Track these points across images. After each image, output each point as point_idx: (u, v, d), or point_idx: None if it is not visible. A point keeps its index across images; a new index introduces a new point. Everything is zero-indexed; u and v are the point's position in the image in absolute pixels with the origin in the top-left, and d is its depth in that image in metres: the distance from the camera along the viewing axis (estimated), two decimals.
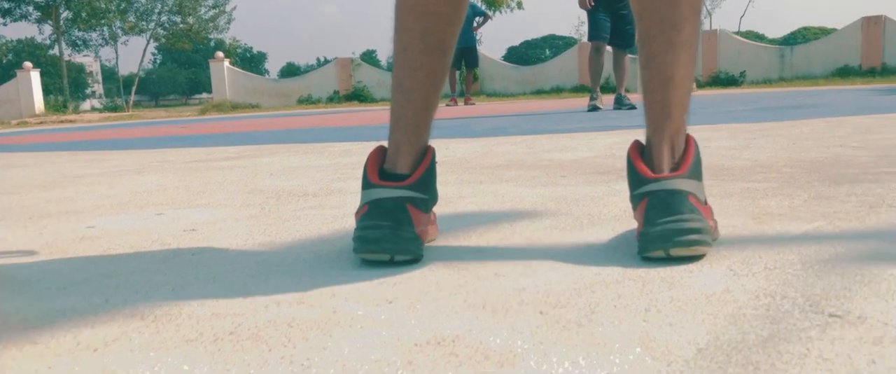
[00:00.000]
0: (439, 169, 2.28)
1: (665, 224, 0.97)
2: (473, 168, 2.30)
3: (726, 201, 1.48)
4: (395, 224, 0.99)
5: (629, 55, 6.81)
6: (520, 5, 21.95)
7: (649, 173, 1.01)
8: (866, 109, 4.87)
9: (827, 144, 2.54)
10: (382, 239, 0.98)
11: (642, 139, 1.09)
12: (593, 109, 6.68)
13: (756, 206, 1.40)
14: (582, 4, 6.71)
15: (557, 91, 18.49)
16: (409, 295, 0.88)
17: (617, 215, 1.38)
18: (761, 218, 1.28)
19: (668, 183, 0.99)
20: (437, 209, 1.49)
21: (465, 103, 12.24)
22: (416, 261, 1.03)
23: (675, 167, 1.03)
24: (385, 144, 1.10)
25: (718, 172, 1.93)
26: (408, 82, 1.07)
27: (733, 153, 2.38)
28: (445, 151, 3.00)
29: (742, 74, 17.89)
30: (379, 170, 1.06)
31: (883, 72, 16.65)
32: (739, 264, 0.97)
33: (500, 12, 22.13)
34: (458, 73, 12.35)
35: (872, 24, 17.33)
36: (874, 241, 1.07)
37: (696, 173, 1.03)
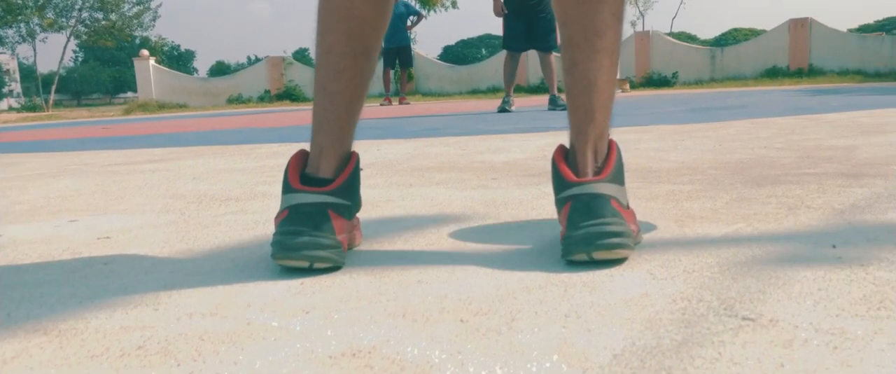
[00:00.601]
0: (369, 172, 2.27)
1: (588, 228, 0.98)
2: (404, 170, 2.29)
3: (651, 203, 1.51)
4: (315, 230, 0.98)
5: (555, 54, 6.91)
6: (454, 4, 22.05)
7: (573, 177, 1.03)
8: (792, 110, 5.04)
9: (752, 145, 2.61)
10: (301, 245, 0.97)
11: (568, 143, 1.11)
12: (502, 111, 6.76)
13: (679, 208, 1.43)
14: (496, 12, 6.83)
15: (494, 91, 18.61)
16: (327, 304, 0.87)
17: (545, 218, 1.39)
18: (683, 221, 1.31)
19: (591, 187, 1.01)
20: (364, 213, 1.49)
21: (400, 103, 12.23)
22: (338, 268, 1.02)
23: (598, 171, 1.05)
24: (308, 147, 1.09)
25: (646, 174, 1.97)
26: (331, 85, 1.06)
27: (661, 155, 2.43)
28: (377, 152, 2.98)
29: (674, 74, 18.32)
30: (300, 174, 1.05)
31: (810, 73, 17.26)
32: (659, 267, 0.99)
33: (435, 11, 22.18)
34: (392, 72, 12.34)
35: (799, 26, 17.96)
36: (791, 243, 1.11)
37: (619, 178, 1.05)
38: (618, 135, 3.40)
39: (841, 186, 1.60)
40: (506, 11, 6.75)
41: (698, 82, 17.97)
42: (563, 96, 6.80)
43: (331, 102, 1.06)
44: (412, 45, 12.32)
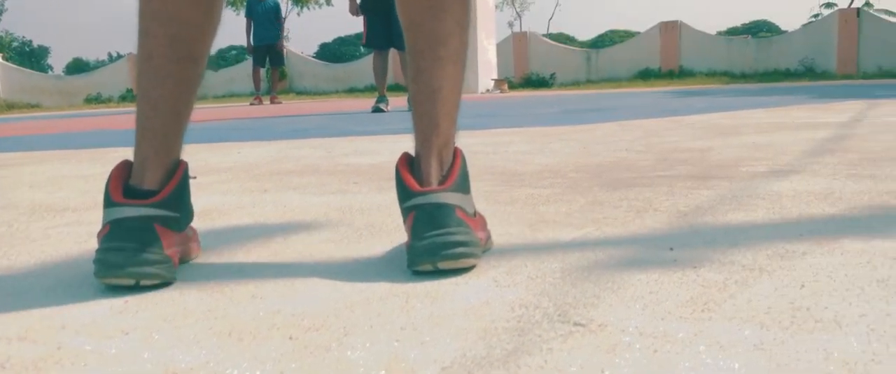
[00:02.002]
0: (223, 177, 2.21)
1: (432, 238, 0.99)
2: (262, 175, 2.25)
3: (509, 208, 1.54)
4: (139, 246, 0.94)
5: None
6: (328, 2, 21.87)
7: (416, 186, 1.03)
8: (658, 111, 5.28)
9: (615, 148, 2.72)
10: (125, 262, 0.93)
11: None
12: (376, 110, 6.77)
13: (535, 213, 1.47)
14: (351, 11, 6.86)
15: (372, 90, 18.51)
16: (149, 324, 0.83)
17: (399, 225, 1.39)
18: (537, 225, 1.34)
19: (435, 197, 1.02)
20: (209, 222, 1.45)
21: (272, 102, 12.00)
22: (167, 284, 0.99)
23: (443, 180, 1.06)
24: (131, 157, 1.05)
25: (510, 177, 2.01)
26: (154, 92, 1.03)
27: (528, 158, 2.49)
28: (237, 155, 2.91)
29: (552, 75, 18.83)
30: (123, 186, 1.01)
31: (680, 74, 18.16)
32: (504, 274, 1.01)
33: (308, 8, 21.93)
34: (262, 71, 12.07)
35: (669, 29, 18.86)
36: (633, 246, 1.16)
37: (463, 186, 1.06)
38: (489, 136, 3.46)
39: (689, 188, 1.68)
40: (360, 13, 6.80)
41: (575, 83, 18.55)
42: None
43: (154, 110, 1.03)
44: (285, 43, 12.11)
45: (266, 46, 11.58)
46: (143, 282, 0.95)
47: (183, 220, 1.04)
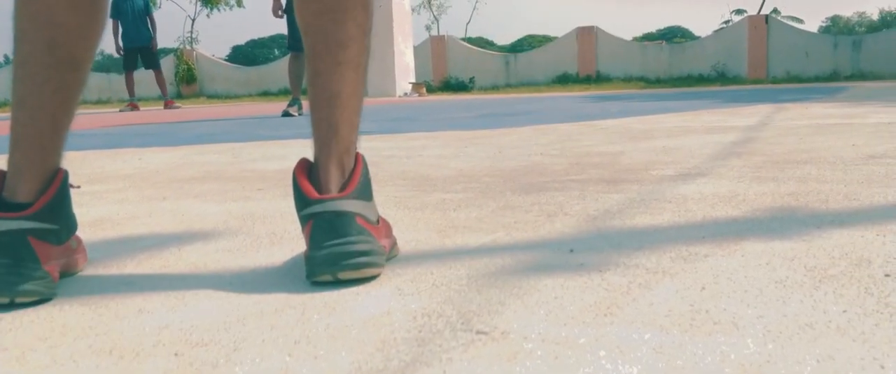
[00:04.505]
0: (120, 185, 2.13)
1: (331, 248, 0.97)
2: (162, 182, 2.18)
3: (419, 213, 1.53)
4: (13, 262, 0.90)
5: None
6: (239, 3, 21.51)
7: (314, 194, 1.01)
8: (574, 116, 5.37)
9: (530, 152, 2.74)
10: None
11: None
12: (286, 115, 6.67)
13: (446, 218, 1.46)
14: (274, 12, 6.78)
15: (286, 93, 18.29)
16: (23, 343, 0.79)
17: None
18: (446, 231, 1.34)
19: (334, 204, 1.00)
20: (101, 233, 1.39)
21: (166, 107, 11.53)
22: (47, 301, 0.94)
23: (343, 187, 1.03)
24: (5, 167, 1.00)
25: (422, 182, 2.00)
26: (32, 99, 0.98)
27: (442, 162, 2.49)
28: (137, 162, 2.82)
29: (471, 79, 18.97)
30: None
31: (598, 79, 18.54)
32: (408, 282, 1.00)
33: (219, 10, 21.52)
34: (134, 74, 11.39)
35: (586, 34, 19.24)
36: (541, 251, 1.16)
37: (365, 193, 1.04)
38: (404, 141, 3.45)
39: (600, 192, 1.71)
40: (284, 13, 6.69)
41: (495, 87, 18.71)
42: None
43: (31, 118, 0.98)
44: (194, 46, 11.69)
45: (137, 49, 10.96)
46: (18, 299, 0.90)
47: (63, 232, 0.99)
